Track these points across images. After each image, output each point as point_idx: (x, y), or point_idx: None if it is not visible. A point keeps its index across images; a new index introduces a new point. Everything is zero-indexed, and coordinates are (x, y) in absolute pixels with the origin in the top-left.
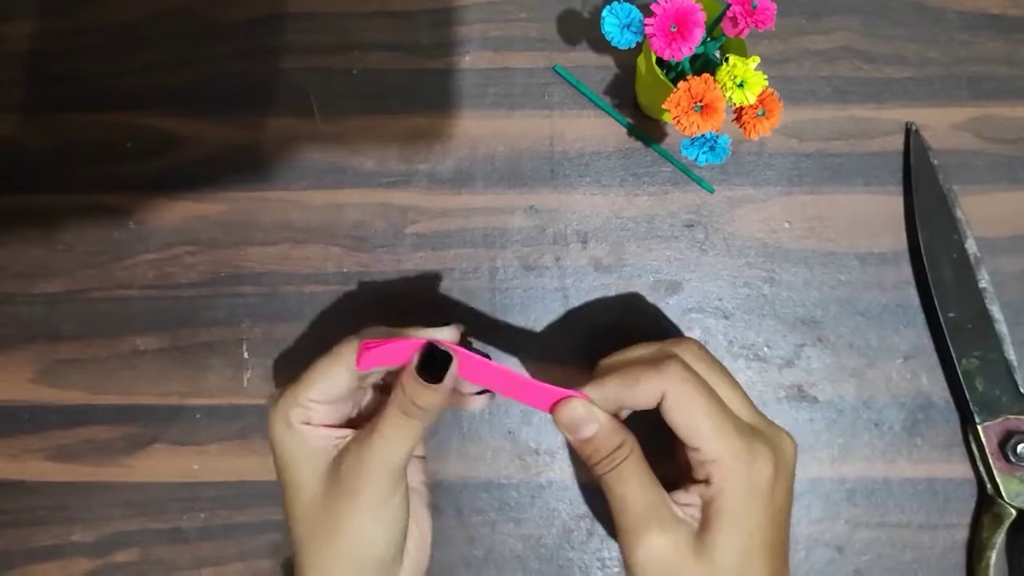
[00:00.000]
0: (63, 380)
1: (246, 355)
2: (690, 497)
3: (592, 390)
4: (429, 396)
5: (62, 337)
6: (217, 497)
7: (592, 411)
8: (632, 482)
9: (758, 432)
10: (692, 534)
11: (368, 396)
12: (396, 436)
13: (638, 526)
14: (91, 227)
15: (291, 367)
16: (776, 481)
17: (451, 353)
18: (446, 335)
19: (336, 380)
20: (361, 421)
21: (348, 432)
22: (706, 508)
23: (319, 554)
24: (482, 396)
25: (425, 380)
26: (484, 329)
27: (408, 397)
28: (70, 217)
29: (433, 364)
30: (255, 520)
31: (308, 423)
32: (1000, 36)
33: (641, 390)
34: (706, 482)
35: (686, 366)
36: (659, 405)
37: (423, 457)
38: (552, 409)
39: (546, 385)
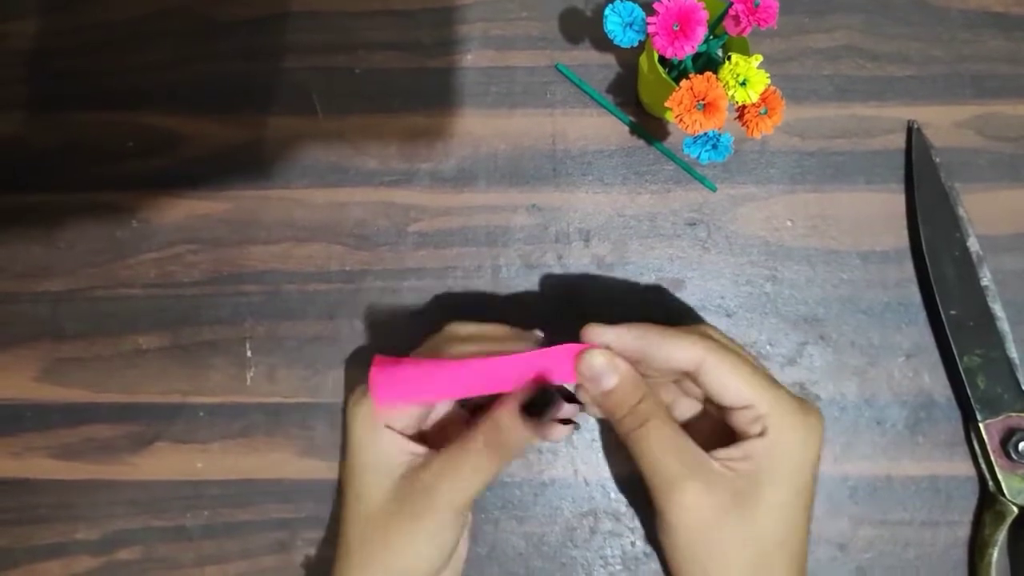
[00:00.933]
0: (66, 378)
1: (249, 353)
2: (734, 452)
3: (628, 332)
4: (526, 435)
5: (65, 336)
6: (220, 495)
7: (613, 361)
8: (661, 438)
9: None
10: (732, 489)
11: (443, 408)
12: (475, 475)
13: (671, 482)
14: (93, 226)
15: (294, 366)
16: (821, 445)
17: (554, 394)
18: (530, 343)
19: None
20: (431, 434)
21: (422, 449)
22: (757, 461)
23: (366, 565)
24: (566, 427)
25: (529, 418)
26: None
27: (503, 434)
28: (72, 216)
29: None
30: (258, 518)
31: (391, 427)
32: (1003, 34)
33: (679, 347)
34: (761, 434)
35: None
36: (696, 374)
37: None
38: (574, 362)
39: (560, 346)
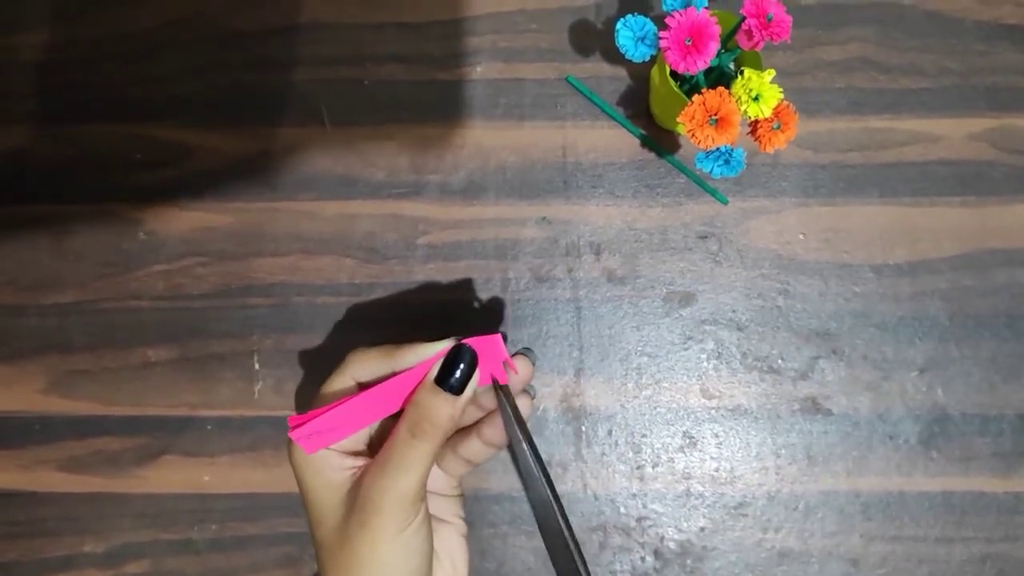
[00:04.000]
0: (74, 391)
1: (257, 366)
2: None
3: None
4: (449, 403)
5: (73, 348)
6: (228, 509)
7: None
8: None
9: None
10: None
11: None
12: (406, 461)
13: None
14: (102, 238)
15: (303, 379)
16: None
17: (465, 350)
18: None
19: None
20: (378, 443)
21: (362, 460)
22: None
23: None
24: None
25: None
26: None
27: (423, 412)
28: (81, 228)
29: (446, 377)
30: (266, 532)
31: (330, 448)
32: (1017, 47)
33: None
34: None
35: None
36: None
37: (461, 495)
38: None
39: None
